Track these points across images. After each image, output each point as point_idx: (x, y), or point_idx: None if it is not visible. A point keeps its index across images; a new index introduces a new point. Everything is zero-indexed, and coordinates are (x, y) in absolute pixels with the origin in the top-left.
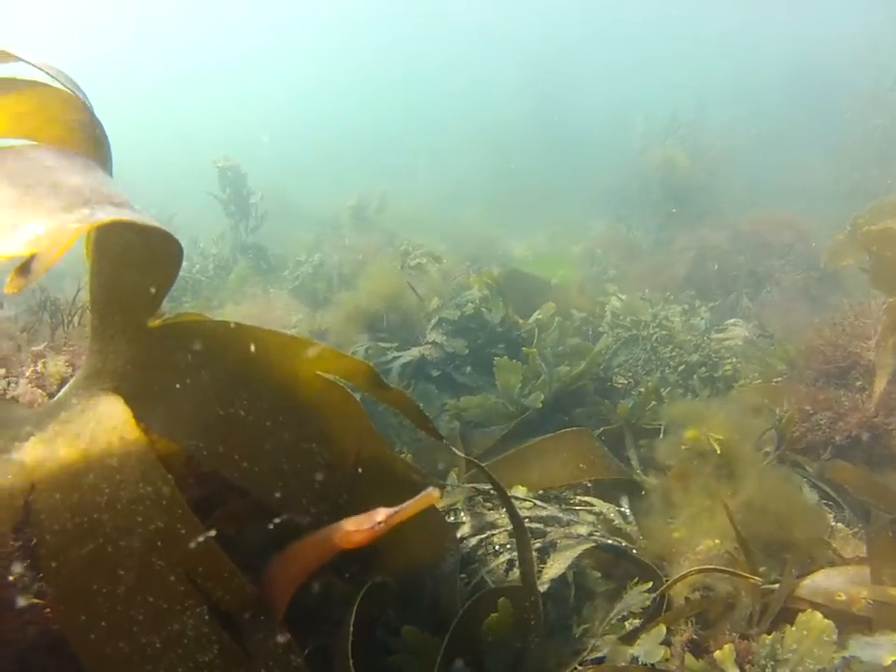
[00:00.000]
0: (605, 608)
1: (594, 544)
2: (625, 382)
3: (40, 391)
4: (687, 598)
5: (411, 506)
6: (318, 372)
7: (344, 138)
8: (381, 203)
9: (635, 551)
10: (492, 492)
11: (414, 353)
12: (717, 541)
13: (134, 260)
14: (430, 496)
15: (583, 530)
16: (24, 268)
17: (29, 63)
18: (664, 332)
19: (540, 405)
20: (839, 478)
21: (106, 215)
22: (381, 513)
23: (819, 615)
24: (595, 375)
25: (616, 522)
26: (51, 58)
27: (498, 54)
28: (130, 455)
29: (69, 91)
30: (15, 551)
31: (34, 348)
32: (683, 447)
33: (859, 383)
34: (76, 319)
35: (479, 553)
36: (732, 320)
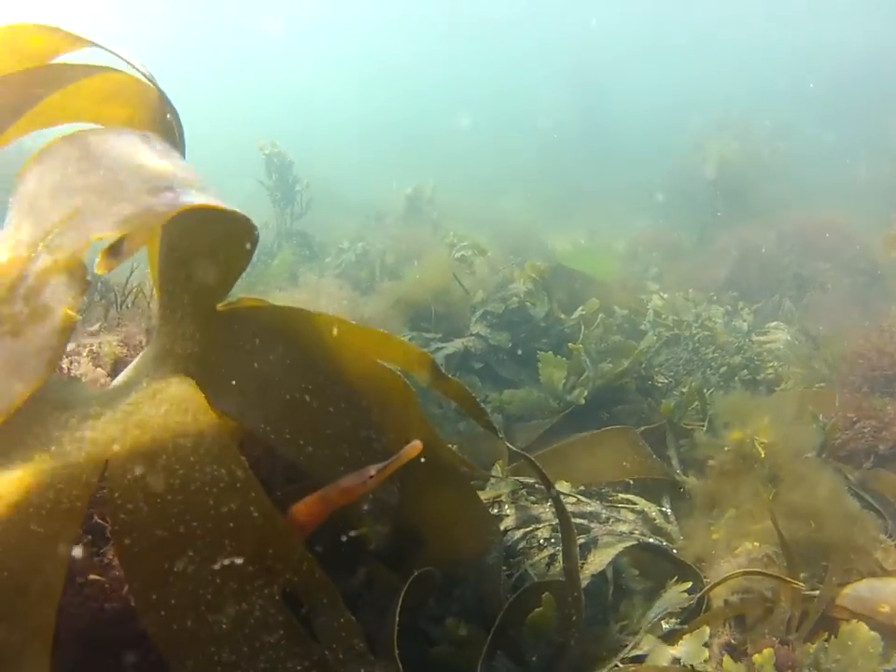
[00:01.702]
0: (642, 605)
1: (635, 542)
2: (666, 381)
3: (101, 370)
4: (726, 600)
5: (398, 459)
6: (378, 360)
7: (390, 131)
8: (432, 193)
9: (675, 550)
10: (537, 485)
11: (458, 344)
12: (756, 544)
13: (209, 243)
14: (414, 447)
15: (625, 528)
16: (114, 250)
17: (105, 49)
18: (706, 333)
19: (583, 401)
20: (882, 488)
21: (192, 199)
22: (372, 469)
23: (864, 626)
24: (637, 373)
25: (657, 521)
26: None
27: (548, 56)
28: (203, 436)
29: (143, 76)
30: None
31: (89, 328)
32: (726, 448)
33: None
34: (129, 300)
35: (522, 546)
36: (774, 323)
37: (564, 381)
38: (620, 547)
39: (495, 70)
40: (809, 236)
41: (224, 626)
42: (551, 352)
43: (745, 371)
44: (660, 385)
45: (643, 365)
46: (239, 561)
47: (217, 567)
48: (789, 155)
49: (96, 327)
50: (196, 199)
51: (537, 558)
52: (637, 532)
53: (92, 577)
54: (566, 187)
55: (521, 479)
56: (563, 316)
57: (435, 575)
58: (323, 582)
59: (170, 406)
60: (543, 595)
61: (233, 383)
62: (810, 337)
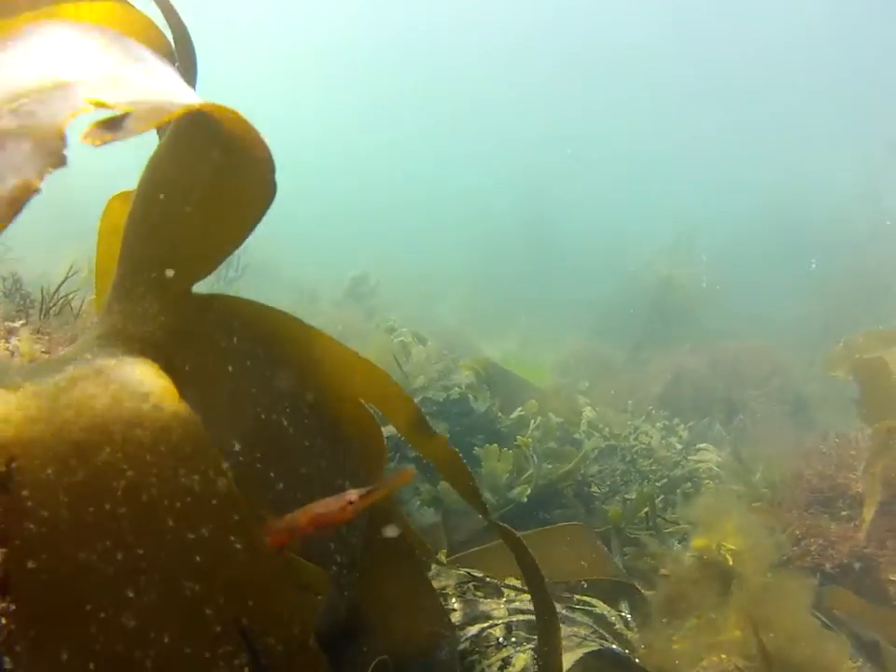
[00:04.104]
0: None
1: (598, 647)
2: (602, 491)
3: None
4: None
5: (386, 485)
6: (361, 401)
7: (337, 218)
8: (375, 284)
9: (638, 660)
10: (488, 579)
11: (391, 429)
12: (724, 656)
13: (197, 196)
14: (407, 472)
15: (583, 631)
16: (115, 122)
17: None
18: (643, 445)
19: (525, 499)
20: (839, 606)
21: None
22: (353, 493)
23: None
24: (576, 479)
25: (617, 626)
26: None
27: (497, 164)
28: (169, 431)
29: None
30: None
31: (8, 323)
32: (689, 555)
33: (844, 513)
34: (56, 309)
35: (475, 644)
36: (703, 445)
37: (507, 475)
38: (580, 653)
39: (443, 173)
40: (740, 364)
41: None
42: (496, 444)
43: (688, 483)
44: (596, 493)
45: (581, 471)
46: (206, 613)
47: (167, 619)
48: (724, 285)
49: (18, 324)
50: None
51: (493, 658)
52: (596, 637)
53: None
54: (503, 295)
55: (471, 571)
56: (501, 415)
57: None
58: (313, 655)
59: (121, 388)
60: None
61: (199, 381)
62: (741, 459)
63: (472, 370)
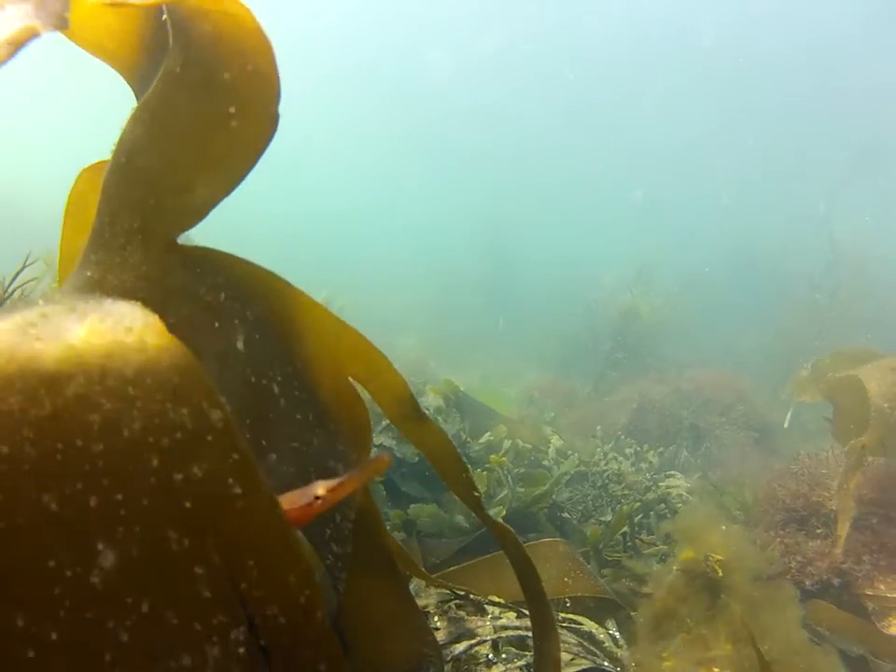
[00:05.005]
0: None
1: (591, 665)
2: (576, 515)
3: None
4: None
5: (359, 475)
6: (351, 380)
7: (302, 247)
8: (341, 308)
9: None
10: (471, 596)
11: None
12: (716, 670)
13: (181, 131)
14: (381, 460)
15: (575, 649)
16: None
17: None
18: (613, 471)
19: (501, 521)
20: (821, 620)
21: None
22: (320, 486)
23: None
24: (548, 503)
25: (606, 644)
26: None
27: (456, 194)
28: (157, 363)
29: None
30: None
31: None
32: (675, 568)
33: (820, 530)
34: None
35: (463, 664)
36: (671, 472)
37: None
38: (573, 669)
39: (400, 203)
40: (704, 392)
41: None
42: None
43: (662, 505)
44: (568, 518)
45: (554, 496)
46: (196, 571)
47: (148, 580)
48: (685, 316)
49: None
50: None
51: None
52: (587, 655)
53: None
54: (464, 327)
55: (455, 588)
56: (469, 440)
57: None
58: (325, 632)
59: (100, 321)
60: None
61: (183, 337)
62: (711, 483)
63: (441, 393)
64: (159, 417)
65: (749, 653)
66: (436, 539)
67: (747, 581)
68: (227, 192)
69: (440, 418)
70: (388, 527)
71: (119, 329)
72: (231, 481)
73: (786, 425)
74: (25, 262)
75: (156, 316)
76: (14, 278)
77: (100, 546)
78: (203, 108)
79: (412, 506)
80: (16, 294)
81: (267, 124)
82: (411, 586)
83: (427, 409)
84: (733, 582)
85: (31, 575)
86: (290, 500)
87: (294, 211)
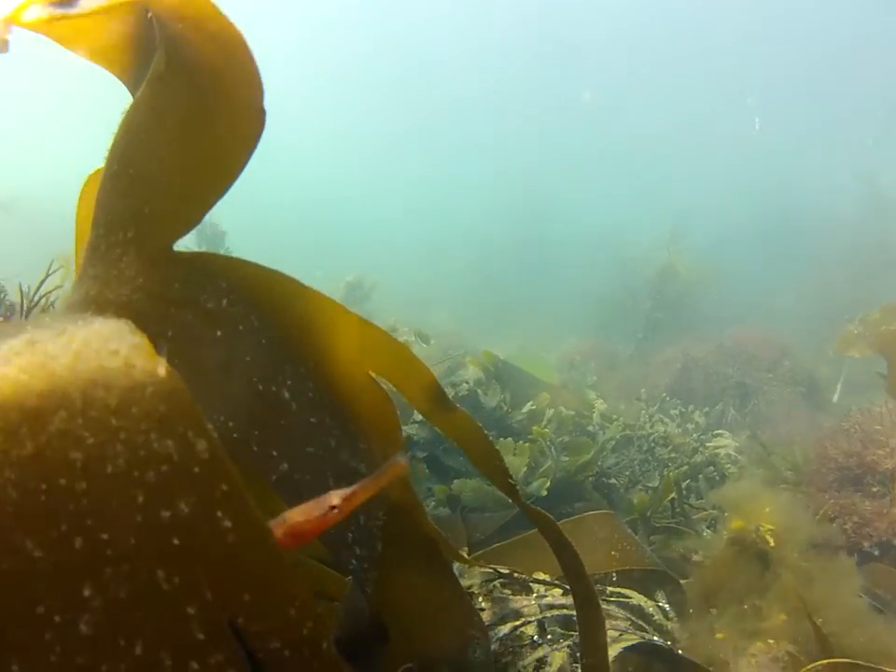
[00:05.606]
0: None
1: (640, 640)
2: (623, 481)
3: None
4: None
5: (376, 481)
6: (372, 374)
7: (333, 228)
8: (372, 287)
9: (681, 651)
10: (516, 574)
11: None
12: (772, 642)
13: (170, 136)
14: (397, 465)
15: (622, 624)
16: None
17: None
18: (660, 433)
19: (545, 493)
20: (883, 584)
21: None
22: (334, 496)
23: None
24: (594, 470)
25: (656, 617)
26: None
27: (491, 169)
28: (142, 389)
29: None
30: None
31: None
32: (725, 537)
33: (875, 489)
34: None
35: (508, 644)
36: (718, 431)
37: (525, 469)
38: (619, 647)
39: (435, 175)
40: (749, 349)
41: None
42: (510, 438)
43: (710, 467)
44: (616, 484)
45: (599, 463)
46: (187, 612)
47: (140, 621)
48: (723, 273)
49: None
50: None
51: (529, 659)
52: (635, 630)
53: None
54: (501, 297)
55: (499, 568)
56: (511, 411)
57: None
58: (336, 667)
59: (85, 345)
60: None
61: (183, 350)
62: (760, 442)
63: (480, 365)
64: (144, 449)
65: (804, 627)
66: (479, 514)
67: (799, 550)
68: (222, 192)
69: (479, 391)
70: (433, 503)
71: (103, 352)
72: (219, 514)
73: (838, 386)
74: (49, 271)
75: (143, 337)
76: (38, 287)
77: (87, 590)
78: (188, 108)
79: (455, 481)
80: (42, 302)
81: (254, 118)
82: (454, 566)
83: (467, 382)
84: (785, 552)
85: (21, 622)
86: (305, 512)
87: (320, 197)
